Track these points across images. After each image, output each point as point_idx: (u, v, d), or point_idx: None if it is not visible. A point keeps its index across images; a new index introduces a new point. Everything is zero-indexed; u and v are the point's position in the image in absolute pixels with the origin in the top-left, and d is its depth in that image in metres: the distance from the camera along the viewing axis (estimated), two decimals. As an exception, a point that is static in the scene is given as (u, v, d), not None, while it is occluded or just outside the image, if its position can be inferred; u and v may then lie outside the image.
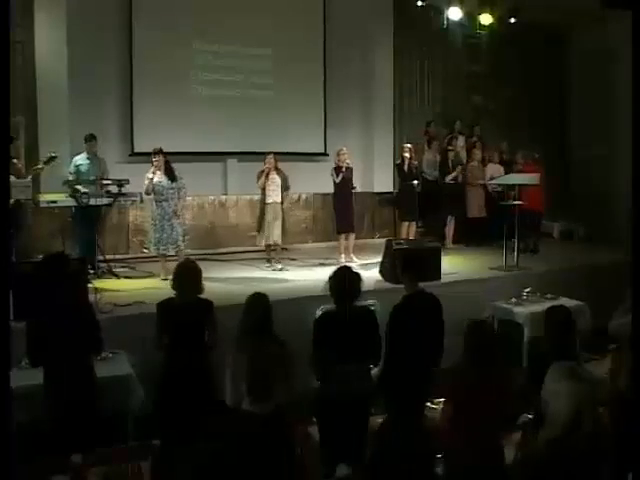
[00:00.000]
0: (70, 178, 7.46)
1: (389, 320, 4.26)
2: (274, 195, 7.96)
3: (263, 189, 7.96)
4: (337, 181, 8.42)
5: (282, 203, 8.11)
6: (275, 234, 7.98)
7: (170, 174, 7.37)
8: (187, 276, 4.26)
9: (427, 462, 2.94)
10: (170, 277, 6.79)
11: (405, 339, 4.16)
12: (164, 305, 4.25)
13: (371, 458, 3.12)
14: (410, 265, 4.48)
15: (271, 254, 8.21)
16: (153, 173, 7.31)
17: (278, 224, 8.01)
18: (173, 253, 7.38)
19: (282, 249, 8.33)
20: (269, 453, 3.44)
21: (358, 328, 3.95)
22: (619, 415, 3.15)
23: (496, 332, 3.75)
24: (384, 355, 4.25)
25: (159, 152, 7.37)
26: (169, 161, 7.45)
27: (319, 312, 4.80)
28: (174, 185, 7.35)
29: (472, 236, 9.88)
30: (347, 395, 3.83)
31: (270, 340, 3.63)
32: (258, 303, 3.72)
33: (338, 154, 8.48)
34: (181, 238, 7.44)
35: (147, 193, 7.37)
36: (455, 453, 3.17)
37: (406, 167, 9.19)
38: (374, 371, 5.07)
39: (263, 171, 7.97)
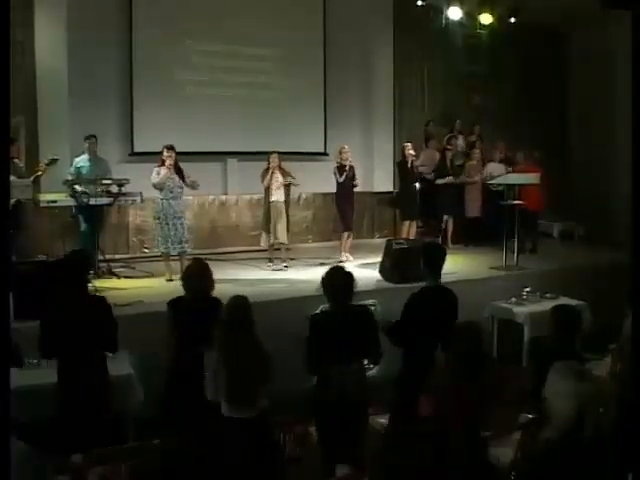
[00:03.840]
0: (69, 178, 7.45)
1: (405, 306, 4.32)
2: (278, 194, 7.93)
3: (267, 188, 7.90)
4: (340, 181, 8.37)
5: (286, 202, 8.07)
6: (280, 233, 7.95)
7: (180, 172, 7.32)
8: (199, 275, 4.28)
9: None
10: (175, 277, 6.78)
11: (418, 327, 4.21)
12: (174, 303, 4.29)
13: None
14: (432, 259, 4.52)
15: (274, 253, 8.13)
16: (168, 168, 7.20)
17: (283, 223, 7.98)
18: (178, 253, 7.30)
19: (286, 249, 8.28)
20: (254, 457, 3.46)
21: (354, 327, 3.92)
22: (619, 415, 3.15)
23: (484, 334, 3.76)
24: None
25: (171, 148, 7.27)
26: (177, 159, 7.37)
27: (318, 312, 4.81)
28: (182, 184, 7.31)
29: (471, 236, 9.85)
30: (342, 395, 3.82)
31: (251, 343, 3.64)
32: (238, 305, 3.72)
33: (340, 152, 8.42)
34: (187, 238, 7.40)
35: (160, 188, 7.24)
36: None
37: (409, 165, 9.15)
38: (373, 371, 5.09)
39: (267, 170, 7.90)
